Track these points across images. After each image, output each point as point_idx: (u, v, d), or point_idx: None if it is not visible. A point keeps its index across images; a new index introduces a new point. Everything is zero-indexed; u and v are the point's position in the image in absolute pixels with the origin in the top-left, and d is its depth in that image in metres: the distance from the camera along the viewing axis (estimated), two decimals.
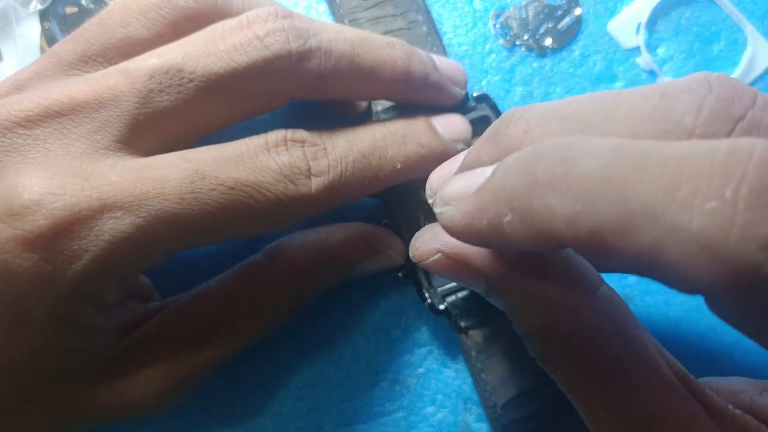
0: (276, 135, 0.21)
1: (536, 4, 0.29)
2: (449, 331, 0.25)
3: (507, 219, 0.15)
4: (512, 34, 0.28)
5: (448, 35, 0.28)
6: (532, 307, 0.18)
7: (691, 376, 0.18)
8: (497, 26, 0.29)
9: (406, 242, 0.25)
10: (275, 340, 0.26)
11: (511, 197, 0.15)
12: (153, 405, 0.22)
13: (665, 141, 0.14)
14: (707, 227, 0.12)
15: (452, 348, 0.26)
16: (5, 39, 0.29)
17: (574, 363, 0.17)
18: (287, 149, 0.21)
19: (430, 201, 0.20)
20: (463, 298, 0.24)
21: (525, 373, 0.24)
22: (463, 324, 0.24)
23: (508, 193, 0.15)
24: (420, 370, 0.26)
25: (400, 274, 0.25)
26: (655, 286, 0.26)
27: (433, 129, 0.24)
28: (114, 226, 0.18)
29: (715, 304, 0.14)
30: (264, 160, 0.20)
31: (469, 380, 0.25)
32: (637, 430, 0.17)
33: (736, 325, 0.14)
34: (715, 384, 0.18)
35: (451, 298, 0.24)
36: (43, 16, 0.29)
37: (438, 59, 0.25)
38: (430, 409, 0.25)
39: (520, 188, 0.15)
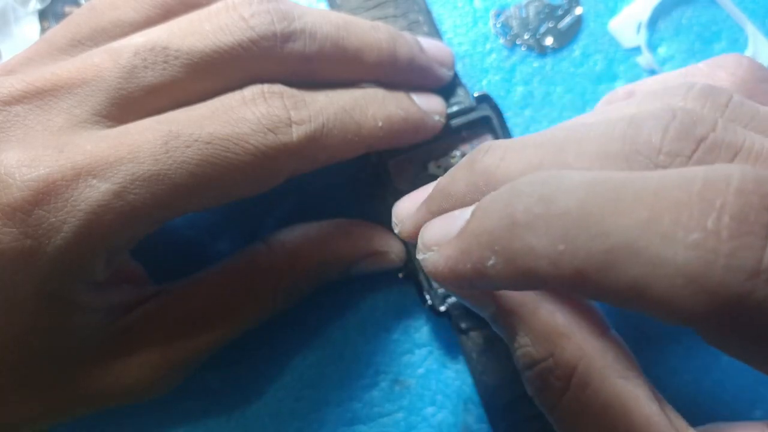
0: (252, 89, 0.21)
1: (537, 3, 0.29)
2: (449, 331, 0.25)
3: (491, 262, 0.15)
4: (513, 33, 0.28)
5: (448, 35, 0.28)
6: (540, 337, 0.18)
7: (690, 427, 0.18)
8: (497, 26, 0.29)
9: (407, 244, 0.25)
10: (275, 341, 0.26)
11: (493, 240, 0.15)
12: (147, 389, 0.22)
13: (638, 172, 0.14)
14: (692, 259, 0.12)
15: (452, 348, 0.26)
16: (4, 38, 0.29)
17: (577, 401, 0.17)
18: (265, 100, 0.21)
19: (396, 230, 0.20)
20: None
21: None
22: (464, 325, 0.24)
23: (489, 235, 0.15)
24: (420, 370, 0.26)
25: (400, 275, 0.25)
26: None
27: (410, 98, 0.24)
28: (90, 194, 0.18)
29: (707, 335, 0.14)
30: (240, 112, 0.20)
31: (470, 381, 0.25)
32: None
33: (732, 354, 0.14)
34: (713, 430, 0.18)
35: (451, 300, 0.24)
36: (42, 15, 0.29)
37: (424, 41, 0.25)
38: (430, 410, 0.25)
39: (501, 230, 0.15)
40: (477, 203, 0.16)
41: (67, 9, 0.29)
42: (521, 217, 0.14)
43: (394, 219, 0.21)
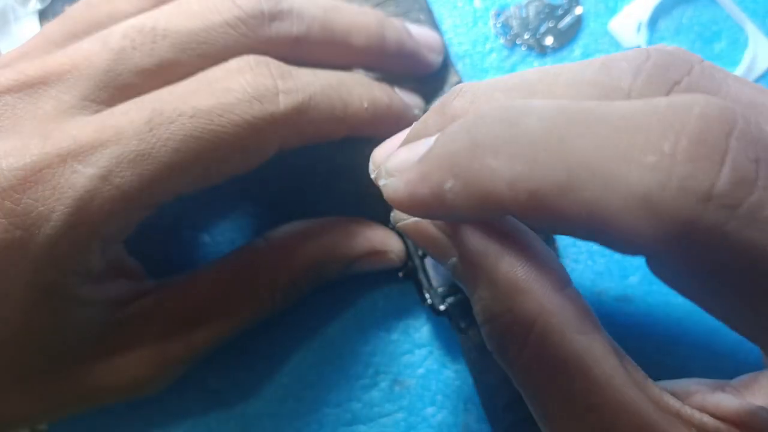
0: (238, 60, 0.21)
1: (537, 3, 0.29)
2: (449, 331, 0.25)
3: (449, 185, 0.15)
4: (513, 33, 0.28)
5: (448, 34, 0.28)
6: (499, 291, 0.17)
7: (649, 378, 0.18)
8: (498, 25, 0.28)
9: (407, 243, 0.25)
10: (275, 341, 0.26)
11: (453, 162, 0.15)
12: (145, 384, 0.22)
13: (606, 101, 0.14)
14: (645, 181, 0.12)
15: (452, 348, 0.26)
16: (4, 38, 0.29)
17: (536, 356, 0.17)
18: (251, 69, 0.20)
19: (373, 176, 0.20)
20: (464, 299, 0.24)
21: None
22: (463, 324, 0.24)
23: (450, 158, 0.15)
24: (420, 370, 0.25)
25: (400, 275, 0.25)
26: (656, 287, 0.26)
27: (393, 88, 0.24)
28: (76, 180, 0.18)
29: (657, 265, 0.14)
30: (225, 82, 0.20)
31: (470, 381, 0.25)
32: (592, 431, 0.16)
33: (680, 289, 0.14)
34: (670, 386, 0.18)
35: (451, 299, 0.24)
36: (43, 15, 0.29)
37: (413, 27, 0.25)
38: (430, 410, 0.25)
39: (462, 153, 0.14)
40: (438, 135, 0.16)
41: (66, 8, 0.29)
42: (483, 139, 0.14)
43: (371, 166, 0.20)
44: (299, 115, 0.21)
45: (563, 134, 0.13)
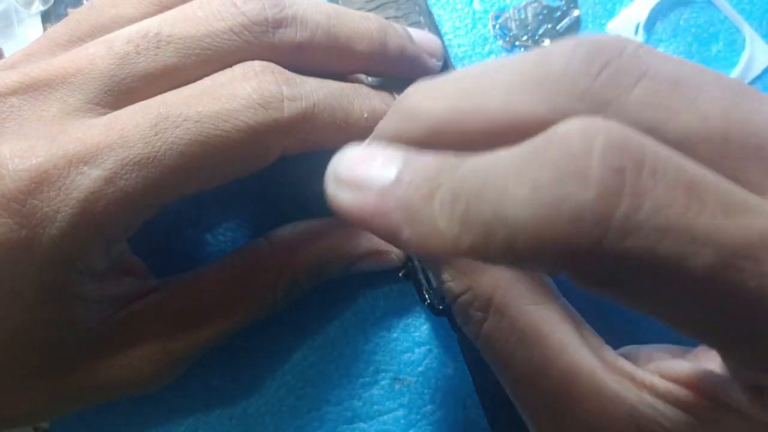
0: (243, 65, 0.21)
1: (535, 5, 0.29)
2: (449, 329, 0.26)
3: (406, 235, 0.15)
4: (511, 35, 0.29)
5: (447, 36, 0.29)
6: (459, 272, 0.19)
7: (605, 344, 0.19)
8: (496, 27, 0.29)
9: None
10: (276, 339, 0.26)
11: (409, 217, 0.15)
12: (148, 381, 0.22)
13: (505, 149, 0.14)
14: (527, 215, 0.13)
15: (452, 347, 0.26)
16: (7, 40, 0.29)
17: (496, 328, 0.18)
18: (256, 75, 0.21)
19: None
20: None
21: None
22: None
23: (411, 214, 0.15)
24: (420, 368, 0.26)
25: (400, 274, 0.25)
26: None
27: (394, 97, 0.25)
28: (82, 182, 0.19)
29: (576, 282, 0.14)
30: (231, 88, 0.20)
31: (469, 379, 0.25)
32: (550, 397, 0.18)
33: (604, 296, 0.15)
34: (634, 352, 0.19)
35: None
36: (45, 17, 0.29)
37: (414, 32, 0.25)
38: (430, 408, 0.25)
39: (420, 213, 0.15)
40: (401, 167, 0.16)
41: (69, 11, 0.29)
42: (431, 205, 0.15)
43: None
44: (303, 123, 0.21)
45: (477, 195, 0.14)
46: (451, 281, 0.20)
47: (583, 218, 0.12)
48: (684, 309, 0.13)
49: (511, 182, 0.13)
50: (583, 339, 0.18)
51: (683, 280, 0.12)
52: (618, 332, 0.19)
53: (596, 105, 0.15)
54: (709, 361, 0.18)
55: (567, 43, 0.16)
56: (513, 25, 0.29)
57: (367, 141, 0.19)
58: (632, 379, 0.17)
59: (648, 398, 0.17)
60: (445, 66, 0.27)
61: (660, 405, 0.17)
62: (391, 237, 0.15)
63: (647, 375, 0.17)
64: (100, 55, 0.20)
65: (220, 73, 0.21)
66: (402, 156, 0.16)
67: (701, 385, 0.16)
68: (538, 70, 0.15)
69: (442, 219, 0.14)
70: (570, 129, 0.13)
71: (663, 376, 0.17)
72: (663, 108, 0.14)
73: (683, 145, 0.14)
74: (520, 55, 0.17)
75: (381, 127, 0.18)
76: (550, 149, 0.13)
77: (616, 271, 0.13)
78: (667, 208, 0.12)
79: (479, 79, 0.16)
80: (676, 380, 0.17)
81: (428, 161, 0.15)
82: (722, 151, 0.14)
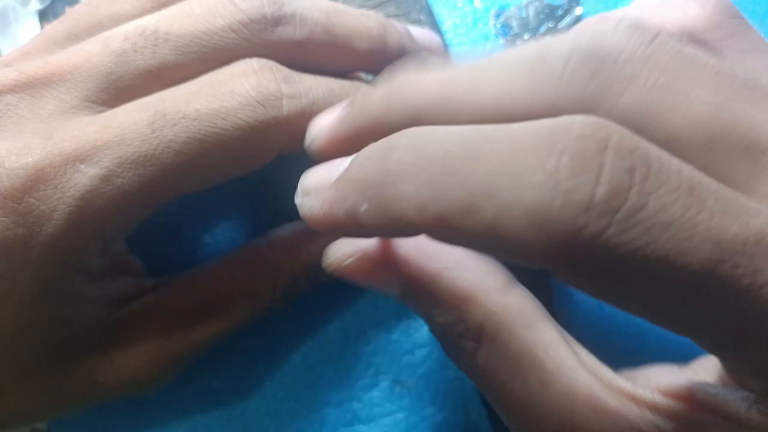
0: (242, 63, 0.21)
1: (537, 3, 0.29)
2: None
3: (363, 208, 0.15)
4: (513, 33, 0.28)
5: (448, 35, 0.28)
6: (446, 305, 0.18)
7: (602, 364, 0.18)
8: (498, 26, 0.29)
9: None
10: (275, 341, 0.26)
11: (366, 187, 0.15)
12: (146, 381, 0.22)
13: (502, 124, 0.14)
14: (534, 199, 0.13)
15: None
16: (5, 38, 0.29)
17: (490, 356, 0.18)
18: (255, 73, 0.21)
19: (306, 143, 0.20)
20: None
21: None
22: None
23: (363, 183, 0.15)
24: (420, 370, 0.26)
25: None
26: None
27: None
28: (78, 180, 0.18)
29: (559, 275, 0.14)
30: (229, 86, 0.20)
31: (470, 381, 0.25)
32: (550, 419, 0.17)
33: (588, 292, 0.15)
34: (633, 374, 0.19)
35: None
36: (43, 15, 0.29)
37: (414, 30, 0.25)
38: (430, 410, 0.25)
39: (374, 178, 0.15)
40: (356, 153, 0.16)
41: (67, 9, 0.29)
42: (394, 166, 0.15)
43: (307, 138, 0.20)
44: (302, 121, 0.21)
45: (463, 160, 0.14)
46: (441, 316, 0.19)
47: (591, 209, 0.12)
48: (677, 306, 0.14)
49: (518, 163, 0.13)
50: (578, 359, 0.18)
51: (679, 276, 0.13)
52: (611, 356, 0.19)
53: (587, 107, 0.15)
54: (708, 373, 0.18)
55: (565, 43, 0.16)
56: (514, 24, 0.29)
57: (344, 111, 0.19)
58: (632, 397, 0.17)
59: (649, 415, 0.17)
60: None
61: (660, 421, 0.17)
62: (352, 219, 0.16)
63: (646, 392, 0.17)
64: (97, 52, 0.20)
65: (219, 70, 0.21)
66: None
67: (699, 398, 0.17)
68: (534, 66, 0.16)
69: (406, 179, 0.14)
70: (584, 127, 0.13)
71: (661, 392, 0.17)
72: (651, 112, 0.15)
73: (671, 146, 0.14)
74: (517, 48, 0.17)
75: (366, 106, 0.18)
76: (566, 141, 0.13)
77: (612, 263, 0.13)
78: (670, 206, 0.13)
79: (475, 67, 0.17)
80: (674, 395, 0.17)
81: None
82: (709, 152, 0.15)
